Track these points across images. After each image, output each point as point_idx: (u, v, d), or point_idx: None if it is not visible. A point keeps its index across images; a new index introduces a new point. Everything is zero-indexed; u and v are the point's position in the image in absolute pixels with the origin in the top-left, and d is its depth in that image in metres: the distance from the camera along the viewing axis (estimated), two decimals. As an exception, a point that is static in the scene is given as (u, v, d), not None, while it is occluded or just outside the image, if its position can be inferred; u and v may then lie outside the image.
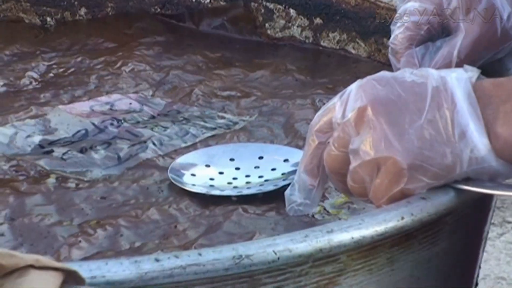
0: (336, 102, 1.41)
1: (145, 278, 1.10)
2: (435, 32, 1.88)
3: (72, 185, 1.72)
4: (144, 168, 1.79)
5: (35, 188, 1.73)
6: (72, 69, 2.19)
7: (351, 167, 1.37)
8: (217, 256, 1.16)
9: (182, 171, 1.76)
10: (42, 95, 2.07)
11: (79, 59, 2.22)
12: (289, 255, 1.19)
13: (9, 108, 2.02)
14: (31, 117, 1.96)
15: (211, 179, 1.76)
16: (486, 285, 1.89)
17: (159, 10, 2.44)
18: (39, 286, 1.07)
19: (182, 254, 1.16)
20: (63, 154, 1.81)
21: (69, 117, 1.96)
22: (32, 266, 1.09)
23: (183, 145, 1.87)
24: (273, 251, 1.19)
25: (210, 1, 2.39)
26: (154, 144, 1.86)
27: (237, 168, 1.79)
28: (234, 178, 1.76)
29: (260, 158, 1.81)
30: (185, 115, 2.01)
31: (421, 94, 1.39)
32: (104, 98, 2.03)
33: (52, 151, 1.83)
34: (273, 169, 1.75)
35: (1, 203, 1.68)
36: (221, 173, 1.77)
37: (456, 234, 1.46)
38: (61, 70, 2.18)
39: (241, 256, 1.18)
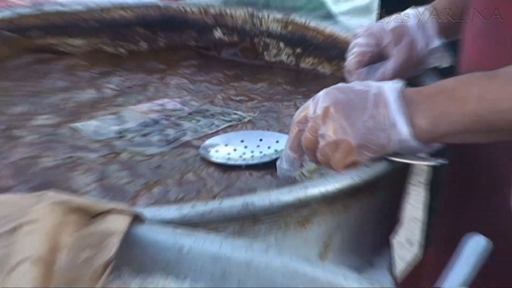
0: (310, 103, 1.55)
1: (185, 218, 1.31)
2: (375, 58, 1.98)
3: (137, 158, 1.83)
4: (184, 147, 1.89)
5: (113, 161, 1.83)
6: (137, 82, 2.28)
7: (320, 146, 1.52)
8: (232, 203, 1.32)
9: (209, 149, 1.87)
10: (117, 100, 2.15)
11: (141, 75, 2.32)
12: (279, 203, 1.33)
13: (96, 108, 2.08)
14: (110, 114, 2.04)
15: (228, 154, 1.87)
16: (406, 221, 2.04)
17: (194, 43, 2.51)
18: (117, 224, 1.17)
19: (209, 202, 1.34)
20: (131, 138, 1.93)
21: (135, 114, 2.08)
22: (111, 211, 1.18)
23: (210, 132, 1.98)
24: (269, 200, 1.35)
25: (227, 38, 2.47)
26: (190, 131, 1.98)
27: (245, 147, 1.90)
28: (244, 153, 1.87)
29: (260, 140, 1.91)
30: (211, 112, 2.11)
31: (365, 98, 1.53)
32: (158, 101, 2.13)
33: (124, 136, 1.94)
34: (269, 147, 1.86)
35: (92, 170, 1.78)
36: (235, 150, 1.87)
37: (388, 189, 1.63)
38: (129, 83, 2.27)
39: (247, 203, 1.32)
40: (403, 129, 1.47)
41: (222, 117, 2.06)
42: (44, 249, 1.06)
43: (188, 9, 2.52)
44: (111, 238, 1.13)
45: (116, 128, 1.99)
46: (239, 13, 2.46)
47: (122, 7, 2.49)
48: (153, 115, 2.06)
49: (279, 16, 2.42)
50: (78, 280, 1.08)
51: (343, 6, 2.56)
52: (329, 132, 1.49)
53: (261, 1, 2.53)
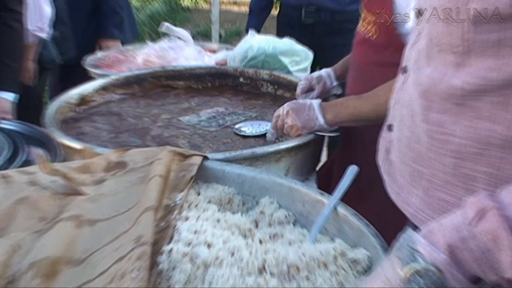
0: (280, 109, 1.88)
1: (225, 158, 1.61)
2: (308, 89, 2.19)
3: (206, 132, 2.05)
4: (226, 128, 2.09)
5: (195, 134, 2.04)
6: (205, 100, 2.39)
7: (284, 127, 1.85)
8: (246, 151, 1.66)
9: (236, 128, 2.06)
10: (197, 107, 2.31)
11: (207, 97, 2.43)
12: (266, 151, 1.68)
13: (189, 111, 2.25)
14: (194, 113, 2.22)
15: (244, 130, 2.05)
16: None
17: (230, 83, 2.56)
18: (196, 160, 1.46)
19: (236, 151, 1.71)
20: (204, 123, 2.12)
21: (205, 113, 2.23)
22: (194, 154, 1.48)
23: (237, 120, 2.16)
24: (262, 150, 1.69)
25: (245, 81, 2.56)
26: (229, 121, 2.16)
27: (252, 126, 2.07)
28: (252, 130, 2.04)
29: (259, 124, 2.07)
30: (238, 112, 2.25)
31: (304, 106, 1.84)
32: (215, 108, 2.27)
33: (200, 123, 2.13)
34: (263, 127, 2.02)
35: (186, 138, 2.01)
36: (247, 128, 2.05)
37: (314, 145, 1.90)
38: (202, 101, 2.40)
39: (253, 151, 1.64)
40: (321, 120, 1.81)
41: (243, 115, 2.25)
42: (164, 170, 1.37)
43: (229, 69, 2.60)
44: (194, 166, 1.43)
45: (197, 119, 2.18)
46: (251, 70, 2.55)
47: (199, 67, 2.61)
48: (213, 114, 2.25)
49: (267, 71, 2.51)
50: (179, 185, 1.36)
51: (295, 67, 2.60)
52: (289, 121, 1.84)
53: (259, 65, 2.57)
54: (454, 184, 1.06)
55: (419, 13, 1.24)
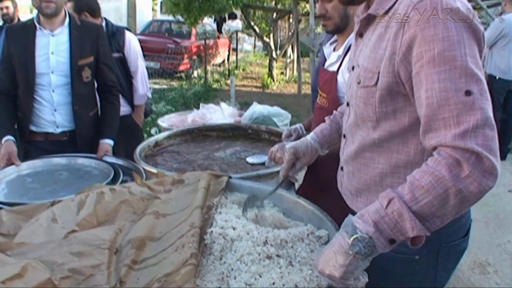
0: (273, 147, 1.63)
1: (242, 177, 1.54)
2: (289, 135, 1.92)
3: (229, 163, 1.92)
4: (241, 159, 1.96)
5: (224, 162, 1.90)
6: (227, 144, 2.20)
7: (276, 158, 1.61)
8: (253, 173, 1.69)
9: (246, 159, 1.95)
10: (224, 148, 2.11)
11: (228, 142, 2.23)
12: (266, 172, 1.68)
13: (218, 149, 2.09)
14: (220, 149, 2.06)
15: (251, 160, 1.93)
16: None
17: (243, 133, 2.34)
18: (224, 178, 1.39)
19: (247, 173, 1.67)
20: (227, 156, 1.97)
21: (228, 151, 2.07)
22: (223, 175, 1.42)
23: (247, 155, 1.99)
24: (263, 172, 1.67)
25: (251, 132, 2.33)
26: (243, 155, 2.00)
27: (256, 157, 1.94)
28: (257, 160, 1.92)
29: (261, 157, 1.93)
30: (248, 150, 2.08)
31: (284, 145, 1.52)
32: (234, 148, 2.10)
33: (225, 156, 1.99)
34: (263, 157, 1.87)
35: (219, 165, 1.87)
36: (254, 160, 1.93)
37: None
38: (224, 145, 2.20)
39: (257, 173, 1.62)
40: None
41: (250, 151, 2.07)
42: (206, 184, 1.32)
43: (242, 125, 2.42)
44: (223, 182, 1.39)
45: (223, 155, 2.02)
46: (255, 125, 2.36)
47: (224, 124, 2.44)
48: (233, 151, 2.06)
49: (264, 126, 2.32)
50: (214, 193, 1.32)
51: (281, 123, 2.48)
52: (278, 154, 1.60)
53: (260, 122, 2.45)
54: (380, 190, 1.03)
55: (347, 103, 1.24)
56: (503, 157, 4.76)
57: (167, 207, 1.24)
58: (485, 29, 6.18)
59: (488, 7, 6.54)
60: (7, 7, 4.16)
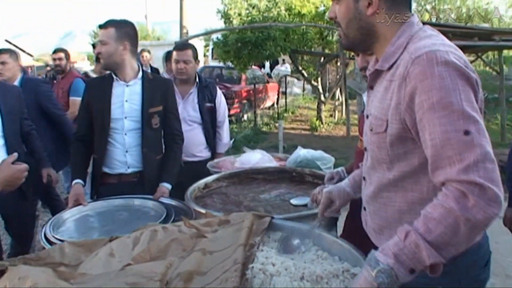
0: (316, 189, 1.70)
1: (284, 218, 1.63)
2: (331, 178, 1.96)
3: (274, 204, 1.97)
4: (285, 201, 2.01)
5: (269, 204, 1.95)
6: (272, 186, 2.23)
7: (317, 200, 1.63)
8: (295, 214, 1.68)
9: (291, 201, 1.99)
10: (269, 190, 2.17)
11: (274, 184, 2.28)
12: (307, 214, 1.73)
13: (265, 192, 2.14)
14: (265, 192, 2.11)
15: (295, 202, 1.97)
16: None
17: (288, 176, 2.37)
18: (266, 219, 1.43)
19: (291, 214, 1.68)
20: (271, 198, 2.02)
21: (273, 193, 2.12)
22: (266, 216, 1.47)
23: (291, 197, 2.03)
24: (304, 212, 1.71)
25: (295, 175, 2.34)
26: (287, 197, 2.03)
27: (300, 200, 1.98)
28: (300, 202, 1.95)
29: (304, 198, 1.95)
30: (291, 192, 2.12)
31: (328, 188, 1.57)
32: (278, 191, 2.15)
33: (271, 198, 2.04)
34: (307, 200, 1.86)
35: (263, 206, 1.91)
36: (297, 201, 1.96)
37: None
38: (270, 187, 2.23)
39: (299, 214, 1.63)
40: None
41: (294, 193, 2.10)
42: (250, 225, 1.38)
43: (287, 168, 2.47)
44: (266, 222, 1.44)
45: (268, 197, 2.09)
46: (299, 168, 2.39)
47: (270, 167, 2.50)
48: (278, 193, 2.11)
49: (308, 169, 2.36)
50: (257, 232, 1.37)
51: (324, 167, 2.46)
52: (319, 197, 1.63)
53: (304, 166, 2.45)
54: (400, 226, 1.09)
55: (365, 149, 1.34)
56: None
57: (214, 245, 1.33)
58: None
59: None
60: (60, 58, 4.44)
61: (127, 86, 2.34)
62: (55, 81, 4.78)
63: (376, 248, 1.19)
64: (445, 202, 0.95)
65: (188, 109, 3.01)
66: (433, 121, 1.00)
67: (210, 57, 17.38)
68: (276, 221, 1.51)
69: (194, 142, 3.01)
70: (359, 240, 1.41)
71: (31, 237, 2.98)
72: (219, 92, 3.16)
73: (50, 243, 1.69)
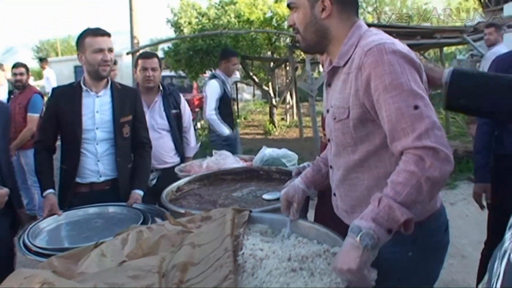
0: (286, 183, 1.66)
1: (260, 210, 1.65)
2: (298, 173, 1.77)
3: (247, 200, 2.02)
4: (257, 197, 2.06)
5: (242, 200, 2.01)
6: (242, 185, 2.30)
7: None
8: (268, 208, 1.78)
9: (263, 196, 2.06)
10: (240, 188, 2.22)
11: (244, 183, 2.32)
12: (275, 206, 1.75)
13: (235, 190, 2.19)
14: (236, 190, 2.16)
15: (266, 197, 2.03)
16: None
17: (256, 174, 2.44)
18: (246, 213, 1.50)
19: (266, 207, 1.69)
20: (244, 195, 2.09)
21: (244, 191, 2.18)
22: (244, 210, 1.53)
23: (262, 193, 2.08)
24: (274, 205, 1.75)
25: (263, 173, 2.48)
26: (258, 194, 2.09)
27: (270, 194, 2.04)
28: (271, 197, 2.01)
29: (274, 194, 2.00)
30: (262, 189, 2.16)
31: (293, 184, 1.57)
32: (249, 188, 2.20)
33: (243, 194, 2.09)
34: (278, 195, 1.89)
35: (235, 202, 1.95)
36: (269, 196, 2.02)
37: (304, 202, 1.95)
38: (240, 186, 2.30)
39: (274, 207, 1.68)
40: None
41: (265, 189, 2.15)
42: (232, 218, 1.45)
43: (254, 167, 2.53)
44: (246, 215, 1.51)
45: (241, 194, 2.13)
46: (266, 167, 2.48)
47: (238, 167, 2.56)
48: (249, 191, 2.17)
49: (274, 167, 2.44)
50: (239, 224, 1.44)
51: (289, 164, 2.55)
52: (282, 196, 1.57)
53: (270, 164, 2.55)
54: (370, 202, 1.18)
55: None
56: None
57: (200, 238, 1.40)
58: (479, 61, 6.59)
59: (474, 41, 6.83)
60: (21, 73, 4.36)
61: (97, 97, 2.36)
62: (12, 96, 4.66)
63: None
64: (407, 167, 1.08)
65: (155, 117, 3.06)
66: (387, 100, 1.15)
67: (159, 67, 17.06)
68: (254, 214, 1.59)
69: (164, 149, 3.08)
70: (331, 226, 1.52)
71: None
72: (183, 99, 3.26)
73: (30, 251, 1.72)
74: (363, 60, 1.20)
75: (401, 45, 1.22)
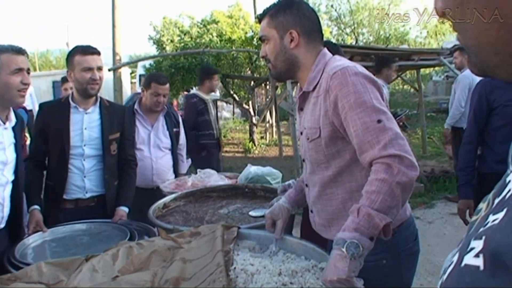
0: (267, 211, 1.63)
1: (248, 227, 1.68)
2: (284, 190, 1.85)
3: (233, 217, 2.03)
4: (243, 214, 2.06)
5: (230, 217, 2.02)
6: (228, 202, 2.31)
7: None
8: (256, 225, 1.78)
9: (249, 213, 2.08)
10: (226, 205, 2.23)
11: (229, 200, 2.34)
12: (262, 224, 1.66)
13: (222, 208, 2.19)
14: (222, 208, 2.18)
15: (252, 213, 2.05)
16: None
17: (241, 192, 2.48)
18: (234, 229, 1.53)
19: (253, 224, 1.71)
20: (230, 212, 2.12)
21: (230, 208, 2.19)
22: (233, 226, 1.56)
23: (248, 210, 2.09)
24: (263, 223, 1.73)
25: (248, 190, 2.46)
26: (244, 211, 2.10)
27: (256, 212, 2.05)
28: (257, 213, 2.03)
29: (260, 210, 2.04)
30: (247, 206, 2.18)
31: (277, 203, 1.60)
32: (234, 205, 2.21)
33: (229, 212, 2.12)
34: (263, 212, 1.93)
35: (222, 219, 1.94)
36: (255, 213, 2.03)
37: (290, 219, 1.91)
38: (226, 203, 2.31)
39: (261, 224, 1.70)
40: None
41: (251, 206, 2.17)
42: (221, 234, 1.48)
43: (239, 185, 2.57)
44: (234, 232, 1.54)
45: (227, 211, 2.15)
46: (251, 184, 2.50)
47: (223, 185, 2.58)
48: (235, 208, 2.18)
49: (259, 184, 2.48)
50: (229, 240, 1.46)
51: (273, 181, 2.57)
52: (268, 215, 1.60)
53: (255, 182, 2.57)
54: (346, 214, 1.25)
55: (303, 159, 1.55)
56: None
57: (191, 254, 1.44)
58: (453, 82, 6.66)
59: (450, 63, 6.98)
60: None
61: (86, 113, 2.36)
62: None
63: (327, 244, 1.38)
64: (377, 176, 1.17)
65: (160, 136, 3.06)
66: (353, 117, 1.25)
67: (137, 83, 17.06)
68: (242, 230, 1.63)
69: (166, 167, 3.10)
70: (318, 242, 1.55)
71: None
72: (180, 117, 3.34)
73: (16, 268, 1.68)
74: (330, 83, 1.31)
75: (362, 68, 1.34)
